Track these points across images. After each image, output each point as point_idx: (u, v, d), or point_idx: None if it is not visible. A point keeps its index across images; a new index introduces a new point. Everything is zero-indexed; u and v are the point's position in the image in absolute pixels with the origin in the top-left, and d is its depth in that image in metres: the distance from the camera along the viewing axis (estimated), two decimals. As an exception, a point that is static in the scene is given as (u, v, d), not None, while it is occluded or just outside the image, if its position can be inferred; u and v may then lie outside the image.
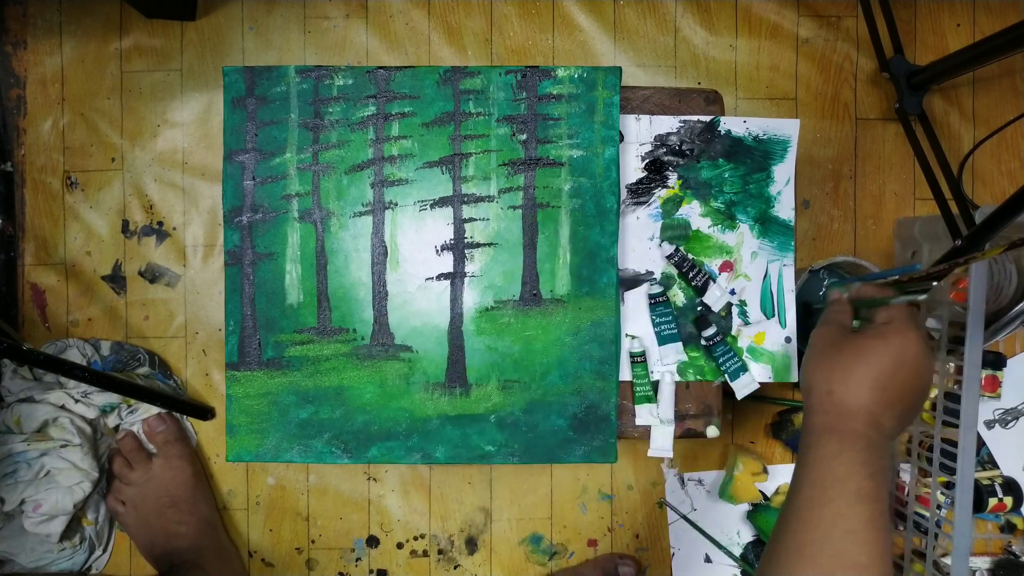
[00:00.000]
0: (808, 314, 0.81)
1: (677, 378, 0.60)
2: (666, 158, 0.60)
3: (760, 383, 0.59)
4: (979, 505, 0.87)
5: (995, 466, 0.93)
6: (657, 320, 0.59)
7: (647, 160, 0.60)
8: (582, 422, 0.57)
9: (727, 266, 0.60)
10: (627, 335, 0.59)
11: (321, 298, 0.56)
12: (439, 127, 0.57)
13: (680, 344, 0.59)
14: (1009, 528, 0.93)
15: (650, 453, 0.59)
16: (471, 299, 0.57)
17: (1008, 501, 0.87)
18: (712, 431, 0.60)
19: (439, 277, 0.57)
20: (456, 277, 0.57)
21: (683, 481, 0.95)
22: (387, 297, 0.56)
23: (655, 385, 0.59)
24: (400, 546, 0.92)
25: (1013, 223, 0.66)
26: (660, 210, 0.60)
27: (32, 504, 0.78)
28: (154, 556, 0.83)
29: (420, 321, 0.56)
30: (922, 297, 0.51)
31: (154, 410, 0.85)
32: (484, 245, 0.57)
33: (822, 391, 0.48)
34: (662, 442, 0.59)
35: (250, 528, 0.92)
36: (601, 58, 0.93)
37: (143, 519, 0.83)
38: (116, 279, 0.91)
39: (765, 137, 0.60)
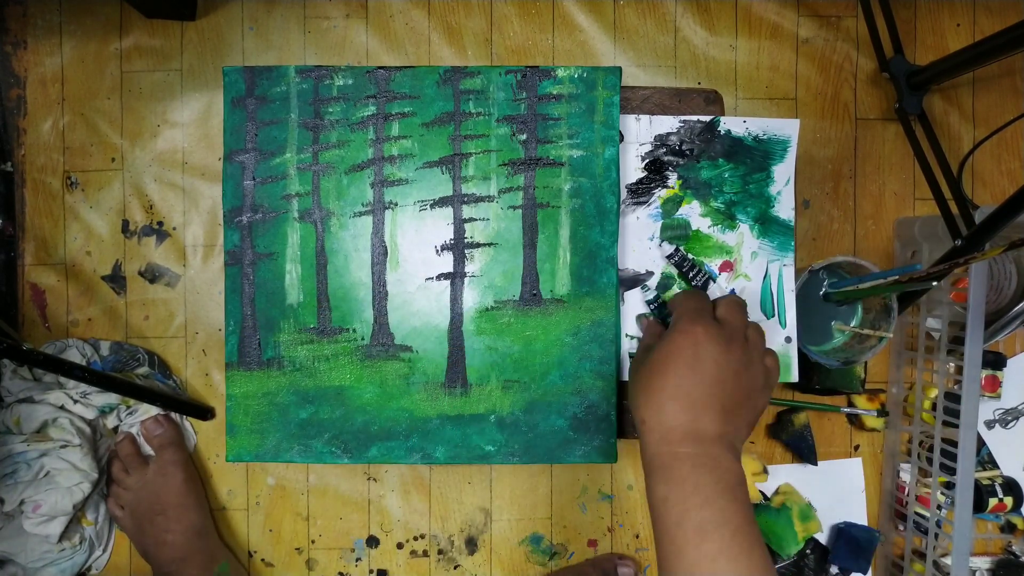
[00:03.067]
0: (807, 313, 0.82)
1: (677, 378, 0.59)
2: (666, 158, 0.60)
3: (760, 383, 0.59)
4: (979, 505, 0.87)
5: (995, 466, 0.93)
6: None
7: (647, 160, 0.60)
8: (582, 422, 0.57)
9: (727, 266, 0.60)
10: (627, 335, 0.59)
11: (321, 298, 0.56)
12: (439, 127, 0.56)
13: None
14: (1009, 528, 0.93)
15: (650, 453, 0.59)
16: (471, 299, 0.57)
17: (1008, 501, 0.87)
18: (712, 431, 0.60)
19: (439, 277, 0.57)
20: (456, 277, 0.57)
21: (683, 481, 0.94)
22: (387, 297, 0.56)
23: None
24: (400, 546, 0.92)
25: (1013, 223, 0.66)
26: (660, 210, 0.60)
27: (32, 504, 0.78)
28: (148, 561, 0.83)
29: (420, 321, 0.56)
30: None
31: (153, 411, 0.85)
32: (484, 245, 0.57)
33: (639, 423, 0.46)
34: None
35: (250, 528, 0.92)
36: (601, 58, 0.93)
37: (138, 524, 0.83)
38: (116, 279, 0.91)
39: (765, 137, 0.60)
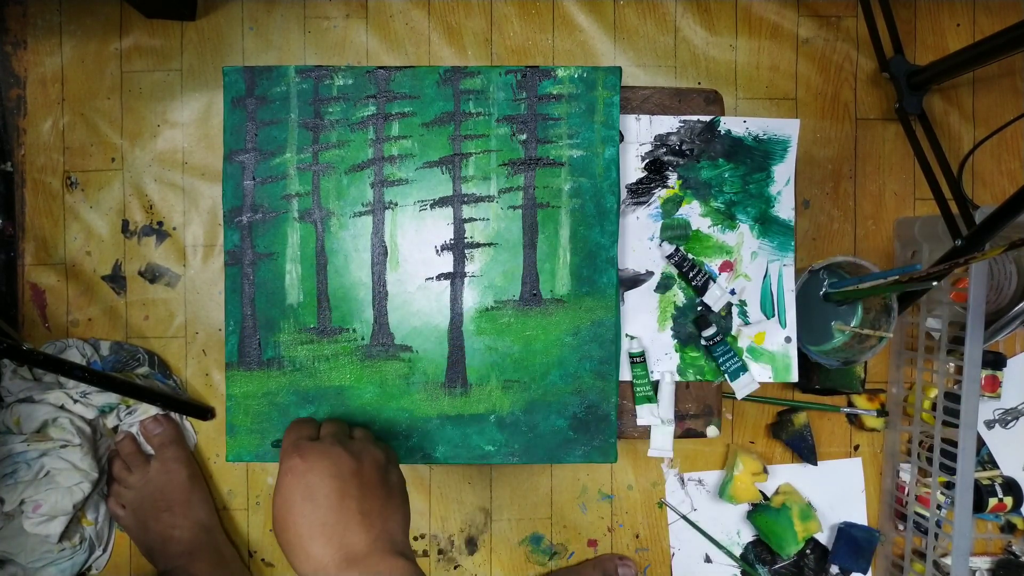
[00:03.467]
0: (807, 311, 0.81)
1: (677, 378, 0.60)
2: (666, 158, 0.60)
3: (760, 383, 0.59)
4: (979, 505, 0.87)
5: (995, 466, 0.93)
6: (722, 360, 0.59)
7: (647, 160, 0.60)
8: (582, 422, 0.57)
9: (727, 266, 0.60)
10: (627, 335, 0.59)
11: (321, 298, 0.56)
12: (439, 127, 0.56)
13: (751, 373, 0.59)
14: (1009, 528, 0.93)
15: (650, 453, 0.59)
16: (471, 299, 0.57)
17: (1008, 501, 0.87)
18: (712, 431, 0.60)
19: (439, 277, 0.57)
20: (456, 277, 0.57)
21: (683, 481, 0.95)
22: (387, 297, 0.56)
23: (655, 385, 0.59)
24: (400, 546, 0.92)
25: (1013, 223, 0.66)
26: (660, 210, 0.60)
27: (32, 504, 0.78)
28: (152, 559, 0.83)
29: (420, 321, 0.56)
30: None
31: (152, 411, 0.85)
32: (484, 245, 0.57)
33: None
34: (662, 442, 0.59)
35: (250, 528, 0.92)
36: (601, 58, 0.93)
37: (141, 522, 0.83)
38: (116, 279, 0.91)
39: (765, 137, 0.60)
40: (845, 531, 0.92)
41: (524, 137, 0.57)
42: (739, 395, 0.59)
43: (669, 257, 0.59)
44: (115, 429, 0.86)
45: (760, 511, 0.92)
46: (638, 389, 0.59)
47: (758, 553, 0.94)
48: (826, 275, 0.81)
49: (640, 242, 0.60)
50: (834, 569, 0.93)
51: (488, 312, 0.57)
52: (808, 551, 0.94)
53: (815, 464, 0.93)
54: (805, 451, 0.93)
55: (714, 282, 0.59)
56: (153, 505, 0.83)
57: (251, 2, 0.91)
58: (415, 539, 0.92)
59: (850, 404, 0.93)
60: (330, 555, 0.40)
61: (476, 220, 0.57)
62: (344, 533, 0.41)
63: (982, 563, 0.93)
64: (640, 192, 0.60)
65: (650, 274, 0.60)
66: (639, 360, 0.58)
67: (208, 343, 0.91)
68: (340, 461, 0.43)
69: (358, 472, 0.44)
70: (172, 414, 0.88)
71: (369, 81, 0.56)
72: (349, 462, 0.44)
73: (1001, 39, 0.73)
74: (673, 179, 0.60)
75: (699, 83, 0.94)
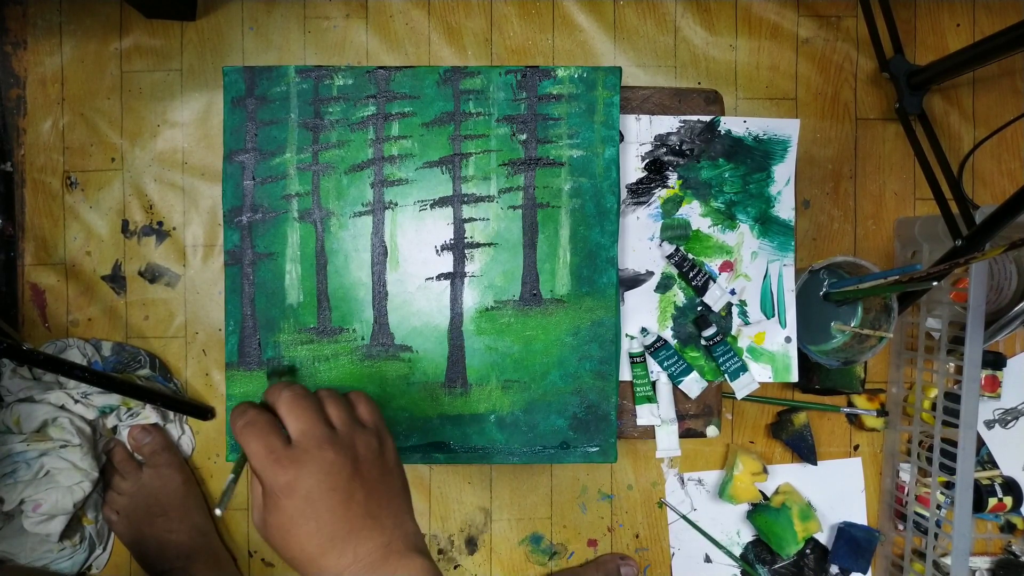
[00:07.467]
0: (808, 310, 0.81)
1: (677, 378, 0.60)
2: (666, 158, 0.60)
3: (760, 383, 0.59)
4: (979, 505, 0.87)
5: (995, 466, 0.93)
6: (722, 360, 0.59)
7: (647, 160, 0.60)
8: (582, 422, 0.57)
9: (727, 266, 0.60)
10: (627, 335, 0.59)
11: (321, 298, 0.56)
12: (439, 127, 0.56)
13: (751, 373, 0.59)
14: (1009, 528, 0.93)
15: (658, 454, 0.59)
16: (471, 299, 0.57)
17: (1008, 501, 0.87)
18: (712, 431, 0.60)
19: (439, 277, 0.57)
20: (456, 277, 0.57)
21: (683, 481, 0.95)
22: (387, 297, 0.56)
23: (655, 385, 0.59)
24: (400, 546, 0.92)
25: (1013, 223, 0.66)
26: (660, 210, 0.60)
27: (32, 504, 0.78)
28: (147, 564, 0.83)
29: (420, 321, 0.56)
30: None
31: (152, 419, 0.85)
32: (484, 245, 0.57)
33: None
34: (669, 442, 0.59)
35: (250, 528, 0.92)
36: (601, 58, 0.93)
37: (135, 528, 0.83)
38: (116, 279, 0.91)
39: (765, 137, 0.60)
40: (845, 531, 0.92)
41: (524, 137, 0.57)
42: (739, 395, 0.59)
43: (669, 257, 0.59)
44: (114, 430, 0.86)
45: (760, 511, 0.92)
46: (638, 389, 0.59)
47: (758, 553, 0.94)
48: (826, 275, 0.81)
49: (640, 242, 0.60)
50: (834, 569, 0.93)
51: (488, 312, 0.57)
52: (808, 551, 0.94)
53: (815, 464, 0.93)
54: (805, 451, 0.93)
55: (714, 282, 0.59)
56: (147, 511, 0.83)
57: (251, 2, 0.91)
58: (415, 539, 0.92)
59: (850, 404, 0.93)
60: (345, 565, 0.38)
61: (476, 220, 0.57)
62: (357, 543, 0.38)
63: (982, 563, 0.93)
64: (640, 192, 0.60)
65: (650, 274, 0.60)
66: (639, 360, 0.58)
67: (208, 343, 0.91)
68: (334, 468, 0.38)
69: (356, 473, 0.39)
70: (173, 418, 0.88)
71: (369, 81, 0.56)
72: (345, 465, 0.39)
73: (1001, 39, 0.73)
74: (673, 179, 0.60)
75: (699, 83, 0.94)
